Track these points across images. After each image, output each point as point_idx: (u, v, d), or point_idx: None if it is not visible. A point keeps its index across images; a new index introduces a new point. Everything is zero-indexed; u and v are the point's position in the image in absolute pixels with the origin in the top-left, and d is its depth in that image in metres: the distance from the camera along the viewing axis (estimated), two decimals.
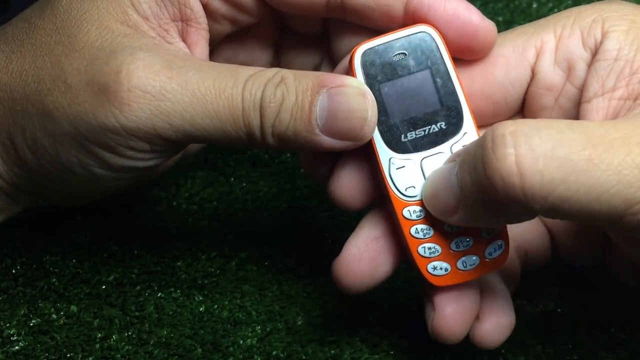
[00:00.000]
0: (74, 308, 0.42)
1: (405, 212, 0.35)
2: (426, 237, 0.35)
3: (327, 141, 0.33)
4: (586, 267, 0.40)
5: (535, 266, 0.40)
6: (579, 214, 0.29)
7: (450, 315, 0.35)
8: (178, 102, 0.32)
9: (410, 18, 0.35)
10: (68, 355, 0.40)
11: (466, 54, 0.35)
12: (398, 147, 0.34)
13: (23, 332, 0.41)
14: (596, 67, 0.33)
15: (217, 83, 0.33)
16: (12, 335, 0.41)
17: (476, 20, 0.34)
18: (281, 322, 0.42)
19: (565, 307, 0.42)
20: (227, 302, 0.43)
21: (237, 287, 0.43)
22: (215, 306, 0.43)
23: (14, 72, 0.35)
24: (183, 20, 0.36)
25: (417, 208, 0.34)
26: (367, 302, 0.43)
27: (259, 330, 0.41)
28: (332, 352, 0.40)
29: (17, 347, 0.41)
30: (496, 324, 0.36)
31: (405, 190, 0.34)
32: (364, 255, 0.36)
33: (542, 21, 0.36)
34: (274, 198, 0.48)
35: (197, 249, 0.45)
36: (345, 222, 0.46)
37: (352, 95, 0.33)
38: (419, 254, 0.35)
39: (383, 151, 0.34)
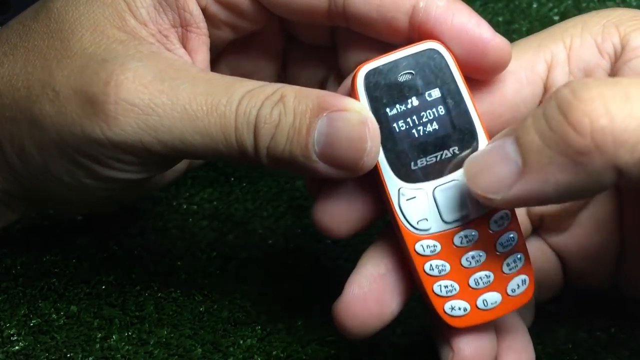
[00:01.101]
0: (74, 308, 0.42)
1: (418, 247, 0.32)
2: (442, 273, 0.32)
3: (324, 168, 0.31)
4: (599, 290, 0.39)
5: (547, 297, 0.38)
6: None
7: (471, 356, 0.33)
8: (167, 117, 0.31)
9: (416, 32, 0.33)
10: (68, 355, 0.40)
11: (476, 74, 0.33)
12: (408, 176, 0.32)
13: (23, 332, 0.41)
14: (630, 65, 0.31)
15: (209, 99, 0.31)
16: (12, 335, 0.41)
17: (487, 37, 0.31)
18: (281, 322, 0.42)
19: (565, 307, 0.42)
20: (227, 302, 0.43)
21: (237, 287, 0.43)
22: (215, 306, 0.43)
23: (4, 76, 0.34)
24: (183, 26, 0.35)
25: (432, 242, 0.32)
26: None
27: (259, 330, 0.41)
28: (332, 352, 0.40)
29: (17, 347, 0.41)
30: None
31: (417, 223, 0.32)
32: (368, 295, 0.33)
33: (545, 33, 0.34)
34: (274, 198, 0.48)
35: (197, 249, 0.45)
36: None
37: (352, 122, 0.30)
38: (435, 292, 0.32)
39: (391, 181, 0.32)
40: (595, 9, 0.56)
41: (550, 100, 0.27)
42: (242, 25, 0.36)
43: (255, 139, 0.31)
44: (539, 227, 0.38)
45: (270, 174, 0.49)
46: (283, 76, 0.41)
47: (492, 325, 0.33)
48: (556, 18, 0.56)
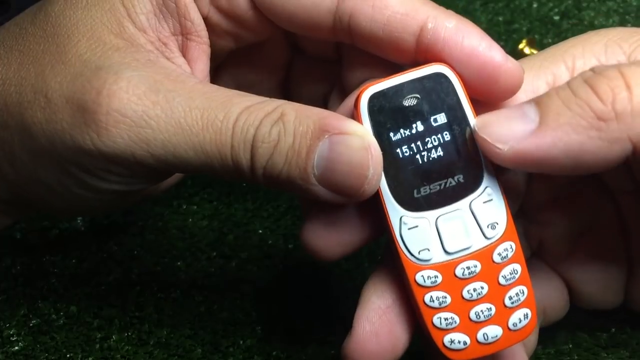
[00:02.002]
0: (73, 308, 0.42)
1: (419, 278, 0.31)
2: (442, 305, 0.31)
3: (323, 192, 0.30)
4: (606, 310, 0.39)
5: (552, 321, 0.38)
6: None
7: None
8: (161, 130, 0.30)
9: (423, 53, 0.31)
10: (68, 355, 0.40)
11: (485, 97, 0.31)
12: (410, 204, 0.31)
13: (23, 332, 0.41)
14: None
15: (205, 114, 0.30)
16: (12, 335, 0.41)
17: (499, 61, 0.30)
18: (281, 322, 0.42)
19: None
20: (226, 302, 0.43)
21: (237, 287, 0.43)
22: (215, 306, 0.43)
23: None
24: (183, 34, 0.34)
25: (433, 273, 0.31)
26: None
27: (258, 331, 0.41)
28: (332, 352, 0.40)
29: (16, 347, 0.41)
30: None
31: (419, 253, 0.31)
32: (380, 330, 0.32)
33: (545, 54, 0.33)
34: (274, 198, 0.48)
35: (197, 249, 0.45)
36: None
37: (354, 147, 0.29)
38: (434, 325, 0.31)
39: (393, 209, 0.31)
40: (595, 9, 0.56)
41: (576, 77, 0.29)
42: (245, 36, 0.35)
43: (252, 158, 0.30)
44: (540, 251, 0.37)
45: None
46: (286, 88, 0.40)
47: (489, 356, 0.33)
48: (556, 18, 0.56)
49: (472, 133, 0.30)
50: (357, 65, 0.35)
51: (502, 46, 0.51)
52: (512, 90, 0.31)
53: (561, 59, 0.32)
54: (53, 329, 0.41)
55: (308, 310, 0.42)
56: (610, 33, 0.33)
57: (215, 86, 0.32)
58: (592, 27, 0.55)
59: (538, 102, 0.29)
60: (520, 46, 0.53)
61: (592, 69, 0.29)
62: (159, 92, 0.30)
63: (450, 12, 0.31)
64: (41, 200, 0.35)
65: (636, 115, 0.27)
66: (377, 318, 0.32)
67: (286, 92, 0.40)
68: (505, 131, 0.29)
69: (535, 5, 0.57)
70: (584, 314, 0.41)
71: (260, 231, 0.46)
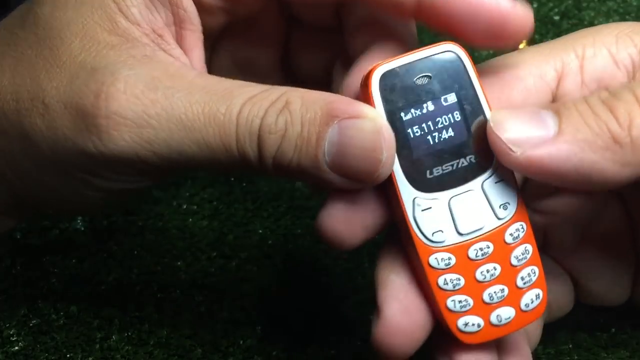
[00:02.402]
0: (73, 308, 0.42)
1: (432, 260, 0.30)
2: (456, 288, 0.30)
3: (336, 179, 0.29)
4: (612, 307, 0.39)
5: (557, 317, 0.38)
6: None
7: None
8: (162, 129, 0.29)
9: (426, 9, 0.30)
10: (68, 355, 0.40)
11: (494, 47, 0.31)
12: (423, 185, 0.30)
13: (23, 332, 0.41)
14: None
15: (207, 108, 0.29)
16: (12, 335, 0.41)
17: (505, 7, 0.30)
18: (281, 322, 0.42)
19: None
20: (226, 303, 0.43)
21: (237, 287, 0.43)
22: (215, 306, 0.43)
23: None
24: (177, 24, 0.33)
25: (446, 255, 0.30)
26: (368, 302, 0.43)
27: (258, 331, 0.41)
28: (332, 352, 0.40)
29: (16, 348, 0.41)
30: None
31: (432, 235, 0.30)
32: (409, 306, 0.31)
33: (555, 42, 0.33)
34: (274, 198, 0.48)
35: (197, 249, 0.45)
36: None
37: (366, 130, 0.28)
38: (448, 308, 0.31)
39: (406, 190, 0.30)
40: (595, 9, 0.56)
41: (593, 95, 0.29)
42: (237, 9, 0.34)
43: (260, 150, 0.29)
44: (546, 245, 0.37)
45: None
46: (286, 63, 0.39)
47: (493, 343, 0.32)
48: (556, 18, 0.56)
49: (485, 121, 0.30)
50: (358, 29, 0.33)
51: None
52: (522, 38, 0.30)
53: (571, 47, 0.32)
54: (53, 329, 0.41)
55: (308, 310, 0.42)
56: (622, 26, 0.32)
57: (216, 78, 0.31)
58: (592, 27, 0.55)
59: (557, 111, 0.29)
60: (520, 46, 0.53)
61: (607, 90, 0.29)
62: (157, 89, 0.29)
63: None
64: (46, 202, 0.34)
65: None
66: (403, 295, 0.31)
67: (287, 67, 0.39)
68: (521, 134, 0.29)
69: (535, 5, 0.57)
70: (584, 314, 0.41)
71: (260, 231, 0.46)
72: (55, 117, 0.30)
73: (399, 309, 0.31)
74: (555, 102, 0.30)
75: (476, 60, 0.31)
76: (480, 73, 0.31)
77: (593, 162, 0.28)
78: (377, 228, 0.32)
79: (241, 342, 0.41)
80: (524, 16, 0.30)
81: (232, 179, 0.49)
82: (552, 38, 0.54)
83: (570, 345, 0.40)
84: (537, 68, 0.32)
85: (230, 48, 0.38)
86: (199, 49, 0.34)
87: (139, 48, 0.31)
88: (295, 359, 0.40)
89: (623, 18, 0.55)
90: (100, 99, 0.29)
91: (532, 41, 0.54)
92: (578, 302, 0.41)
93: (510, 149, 0.29)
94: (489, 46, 0.31)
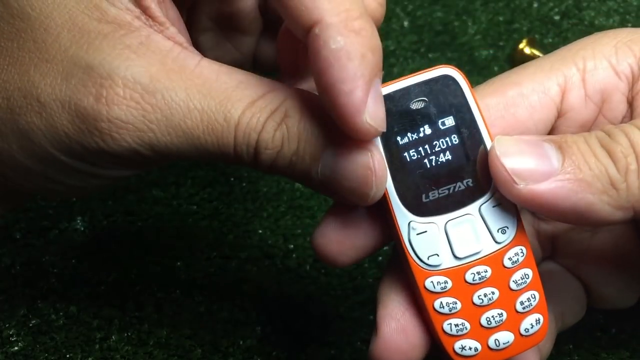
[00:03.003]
0: (73, 308, 0.42)
1: (428, 284, 0.30)
2: (452, 311, 0.30)
3: (326, 192, 0.30)
4: (623, 308, 0.39)
5: (570, 324, 0.38)
6: None
7: None
8: (162, 134, 0.29)
9: (304, 49, 0.29)
10: (67, 355, 0.40)
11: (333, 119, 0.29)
12: (418, 209, 0.30)
13: (22, 333, 0.41)
14: None
15: (205, 116, 0.29)
16: (12, 335, 0.41)
17: (351, 112, 0.27)
18: (281, 322, 0.42)
19: None
20: (226, 303, 0.43)
21: (237, 287, 0.43)
22: (215, 306, 0.43)
23: None
24: None
25: (442, 278, 0.30)
26: (368, 302, 0.43)
27: (258, 331, 0.41)
28: (332, 352, 0.40)
29: (16, 348, 0.41)
30: None
31: (428, 258, 0.30)
32: (406, 326, 0.31)
33: (555, 56, 0.33)
34: (274, 198, 0.48)
35: (197, 249, 0.45)
36: None
37: (358, 164, 0.29)
38: (445, 331, 0.31)
39: (401, 214, 0.30)
40: (595, 8, 0.56)
41: (591, 134, 0.29)
42: None
43: (255, 159, 0.30)
44: (555, 253, 0.37)
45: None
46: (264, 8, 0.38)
47: None
48: (557, 18, 0.56)
49: (483, 145, 0.30)
50: None
51: (502, 46, 0.52)
52: (359, 138, 0.28)
53: (572, 61, 0.32)
54: (53, 329, 0.41)
55: (308, 310, 0.42)
56: (620, 35, 0.32)
57: (213, 69, 0.30)
58: (592, 26, 0.55)
59: (560, 147, 0.29)
60: (521, 46, 0.53)
61: (603, 130, 0.30)
62: (156, 92, 0.29)
63: (353, 27, 0.27)
64: (45, 192, 0.34)
65: None
66: (400, 314, 0.31)
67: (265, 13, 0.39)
68: (525, 166, 0.29)
69: (535, 5, 0.57)
70: (584, 313, 0.41)
71: (260, 231, 0.46)
72: (53, 115, 0.30)
73: (396, 329, 0.31)
74: (556, 135, 0.31)
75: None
76: (483, 91, 0.32)
77: (590, 203, 0.29)
78: (369, 250, 0.32)
79: (241, 342, 0.41)
80: (366, 130, 0.28)
81: (232, 179, 0.49)
82: (552, 38, 0.54)
83: (571, 346, 0.40)
84: (540, 84, 0.32)
85: (209, 6, 0.37)
86: (181, 21, 0.33)
87: (133, 35, 0.30)
88: (295, 359, 0.40)
89: (623, 18, 0.55)
90: (101, 103, 0.29)
91: (533, 41, 0.53)
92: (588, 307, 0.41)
93: (514, 181, 0.29)
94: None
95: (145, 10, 0.30)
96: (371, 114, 0.27)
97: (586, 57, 0.32)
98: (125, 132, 0.29)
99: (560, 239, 0.36)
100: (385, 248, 0.45)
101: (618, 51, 0.32)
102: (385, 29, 0.55)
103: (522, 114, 0.32)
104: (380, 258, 0.45)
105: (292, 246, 0.45)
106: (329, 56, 0.26)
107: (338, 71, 0.26)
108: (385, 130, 0.28)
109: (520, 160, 0.29)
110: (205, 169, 0.49)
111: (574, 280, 0.37)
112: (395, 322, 0.31)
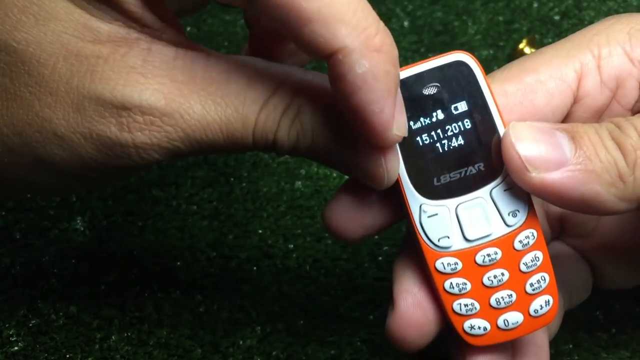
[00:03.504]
0: (73, 308, 0.42)
1: (439, 265, 0.31)
2: (462, 292, 0.31)
3: (343, 173, 0.32)
4: (626, 290, 0.40)
5: (577, 303, 0.38)
6: None
7: None
8: (186, 146, 0.30)
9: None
10: (67, 355, 0.40)
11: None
12: (430, 192, 0.31)
13: (22, 333, 0.41)
14: None
15: (224, 126, 0.29)
16: (12, 335, 0.41)
17: (380, 131, 0.28)
18: (281, 322, 0.42)
19: None
20: (226, 302, 0.43)
21: (237, 287, 0.43)
22: (215, 306, 0.43)
23: None
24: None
25: (453, 260, 0.31)
26: (368, 302, 0.43)
27: (258, 331, 0.41)
28: (332, 352, 0.40)
29: (16, 348, 0.41)
30: None
31: (439, 240, 0.31)
32: (422, 300, 0.32)
33: (571, 42, 0.33)
34: (274, 198, 0.48)
35: (197, 249, 0.45)
36: None
37: (371, 162, 0.30)
38: (454, 311, 0.31)
39: (412, 197, 0.31)
40: (596, 8, 0.56)
41: (601, 126, 0.30)
42: None
43: (274, 150, 0.31)
44: (563, 233, 0.38)
45: (270, 174, 0.49)
46: None
47: (508, 343, 0.33)
48: (557, 18, 0.56)
49: (495, 130, 0.31)
50: None
51: (502, 46, 0.52)
52: (385, 147, 0.29)
53: (587, 48, 0.32)
54: (53, 329, 0.41)
55: (308, 310, 0.42)
56: (633, 21, 0.33)
57: (223, 70, 0.30)
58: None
59: (572, 137, 0.30)
60: (521, 46, 0.53)
61: (613, 121, 0.30)
62: (174, 113, 0.29)
63: (374, 46, 0.27)
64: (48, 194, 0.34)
65: None
66: (417, 289, 0.32)
67: None
68: (538, 154, 0.29)
69: (535, 5, 0.57)
70: (584, 314, 0.41)
71: (260, 231, 0.46)
72: (76, 147, 0.30)
73: (412, 303, 0.32)
74: (568, 123, 0.31)
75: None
76: (501, 77, 0.32)
77: (597, 194, 0.29)
78: (377, 228, 0.33)
79: (241, 342, 0.41)
80: (391, 140, 0.29)
81: (232, 179, 0.49)
82: (552, 38, 0.54)
83: (571, 345, 0.40)
84: (558, 70, 0.32)
85: None
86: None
87: (133, 53, 0.29)
88: (295, 359, 0.40)
89: None
90: (125, 132, 0.29)
91: (533, 41, 0.54)
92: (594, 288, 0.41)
93: (527, 169, 0.29)
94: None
95: (137, 21, 0.29)
96: (398, 124, 0.28)
97: (601, 44, 0.32)
98: (152, 151, 0.30)
99: (568, 220, 0.37)
100: (385, 248, 0.45)
101: (632, 38, 0.32)
102: None
103: (540, 101, 0.32)
104: (380, 258, 0.45)
105: (292, 246, 0.45)
106: (355, 80, 0.27)
107: (366, 94, 0.27)
108: (407, 134, 0.29)
109: (534, 148, 0.29)
110: (205, 169, 0.49)
111: (581, 261, 0.38)
112: (412, 296, 0.32)
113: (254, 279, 0.44)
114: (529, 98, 0.32)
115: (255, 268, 0.45)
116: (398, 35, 0.55)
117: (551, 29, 0.55)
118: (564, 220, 0.37)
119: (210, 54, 0.30)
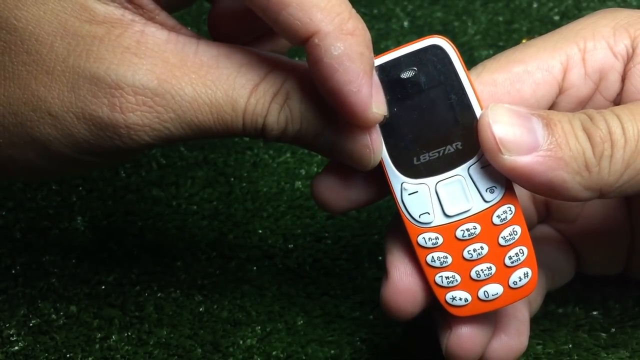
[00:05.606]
0: (73, 308, 0.42)
1: (420, 240, 0.33)
2: (444, 265, 0.33)
3: (331, 158, 0.33)
4: (608, 276, 0.41)
5: (560, 285, 0.39)
6: None
7: (467, 335, 0.34)
8: (177, 129, 0.31)
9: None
10: (68, 355, 0.40)
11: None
12: (410, 171, 0.32)
13: (22, 332, 0.41)
14: (637, 69, 0.33)
15: (214, 109, 0.30)
16: (12, 335, 0.41)
17: (359, 110, 0.29)
18: (281, 322, 0.42)
19: (566, 307, 0.42)
20: (226, 302, 0.43)
21: (237, 287, 0.43)
22: (215, 306, 0.43)
23: None
24: None
25: (433, 235, 0.32)
26: (368, 302, 0.43)
27: (258, 331, 0.41)
28: (332, 352, 0.40)
29: (16, 348, 0.41)
30: (505, 344, 0.35)
31: (420, 216, 0.32)
32: (415, 269, 0.33)
33: (558, 35, 0.34)
34: (274, 198, 0.48)
35: (197, 249, 0.45)
36: (345, 222, 0.46)
37: (357, 143, 0.31)
38: (437, 283, 0.33)
39: (394, 176, 0.32)
40: (595, 8, 0.56)
41: (574, 115, 0.31)
42: None
43: (263, 136, 0.32)
44: (548, 217, 0.39)
45: (270, 174, 0.49)
46: None
47: (490, 314, 0.34)
48: (556, 18, 0.56)
49: (471, 110, 0.32)
50: None
51: (502, 46, 0.52)
52: (366, 127, 0.31)
53: (573, 41, 0.34)
54: (53, 329, 0.41)
55: (308, 310, 0.42)
56: (619, 15, 0.34)
57: (214, 55, 0.31)
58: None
59: (547, 124, 0.31)
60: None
61: (586, 112, 0.31)
62: (165, 93, 0.30)
63: (348, 29, 0.28)
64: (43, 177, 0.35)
65: (612, 174, 0.30)
66: (409, 259, 0.33)
67: None
68: (512, 137, 0.30)
69: (535, 5, 0.57)
70: (584, 314, 0.41)
71: (260, 231, 0.46)
72: (69, 126, 0.30)
73: (404, 272, 0.33)
74: (545, 110, 0.32)
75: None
76: (490, 67, 0.33)
77: (564, 181, 0.30)
78: (361, 203, 0.34)
79: (241, 342, 0.41)
80: (371, 119, 0.30)
81: (232, 179, 0.49)
82: None
83: (570, 345, 0.40)
84: (544, 62, 0.33)
85: None
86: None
87: (127, 34, 0.30)
88: (295, 359, 0.40)
89: None
90: (116, 112, 0.30)
91: None
92: (577, 303, 0.41)
93: (500, 150, 0.30)
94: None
95: (132, 1, 0.30)
96: (376, 103, 0.30)
97: (586, 38, 0.34)
98: (143, 132, 0.30)
99: (554, 204, 0.38)
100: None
101: (616, 32, 0.33)
102: (385, 29, 0.55)
103: (526, 90, 0.33)
104: (380, 258, 0.45)
105: (292, 246, 0.45)
106: (332, 62, 0.28)
107: (343, 75, 0.28)
108: (387, 113, 0.31)
109: (509, 131, 0.30)
110: (205, 169, 0.49)
111: (566, 244, 0.39)
112: (404, 266, 0.33)
113: (254, 279, 0.44)
114: (516, 87, 0.33)
115: (255, 268, 0.45)
116: (398, 35, 0.55)
117: (551, 29, 0.55)
118: (549, 205, 0.38)
119: (201, 39, 0.31)
